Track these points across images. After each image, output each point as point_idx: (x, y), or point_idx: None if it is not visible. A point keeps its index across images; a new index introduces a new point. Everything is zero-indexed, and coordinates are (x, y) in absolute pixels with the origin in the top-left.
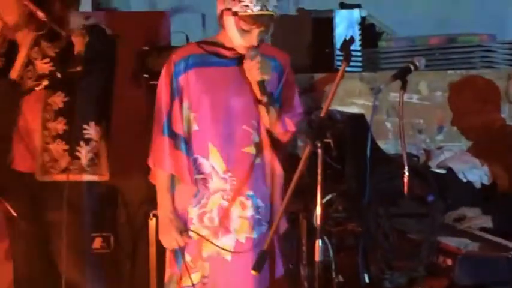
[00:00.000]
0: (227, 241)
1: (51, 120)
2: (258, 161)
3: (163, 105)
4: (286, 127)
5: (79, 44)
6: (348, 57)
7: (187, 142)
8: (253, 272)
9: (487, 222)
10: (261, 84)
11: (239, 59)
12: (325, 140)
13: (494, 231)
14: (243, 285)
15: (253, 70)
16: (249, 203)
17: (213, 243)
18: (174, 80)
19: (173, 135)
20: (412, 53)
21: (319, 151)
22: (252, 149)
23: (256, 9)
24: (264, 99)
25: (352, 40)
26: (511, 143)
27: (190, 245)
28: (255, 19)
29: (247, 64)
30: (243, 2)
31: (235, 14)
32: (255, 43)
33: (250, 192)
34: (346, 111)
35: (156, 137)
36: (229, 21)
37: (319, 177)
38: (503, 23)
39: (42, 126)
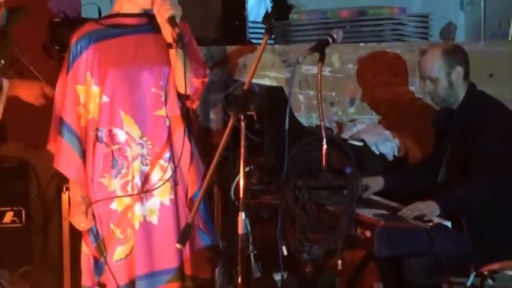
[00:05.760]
0: (152, 205)
1: None
2: (167, 123)
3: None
4: (196, 73)
5: None
6: (270, 30)
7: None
8: (177, 246)
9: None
10: (173, 19)
11: (141, 26)
12: (248, 113)
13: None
14: (169, 248)
15: (164, 7)
16: (167, 165)
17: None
18: (70, 64)
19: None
20: (323, 25)
21: (242, 124)
22: (163, 112)
23: None
24: (176, 31)
25: (274, 13)
26: (420, 115)
27: (114, 217)
28: None
29: (157, 4)
30: None
31: None
32: None
33: (168, 155)
34: (261, 83)
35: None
36: None
37: (242, 150)
38: None
39: None
